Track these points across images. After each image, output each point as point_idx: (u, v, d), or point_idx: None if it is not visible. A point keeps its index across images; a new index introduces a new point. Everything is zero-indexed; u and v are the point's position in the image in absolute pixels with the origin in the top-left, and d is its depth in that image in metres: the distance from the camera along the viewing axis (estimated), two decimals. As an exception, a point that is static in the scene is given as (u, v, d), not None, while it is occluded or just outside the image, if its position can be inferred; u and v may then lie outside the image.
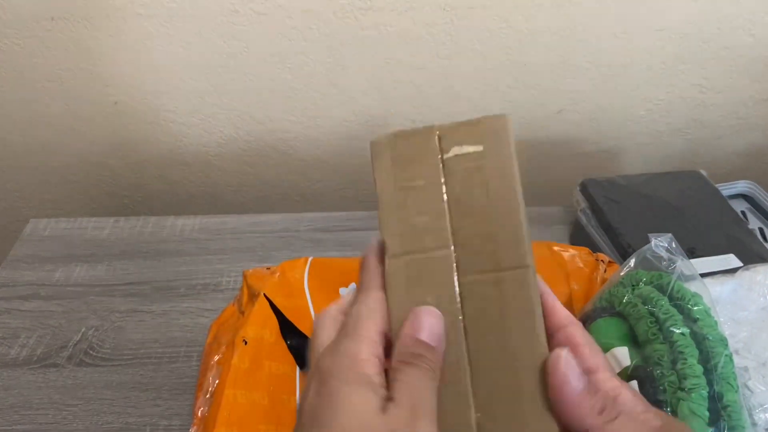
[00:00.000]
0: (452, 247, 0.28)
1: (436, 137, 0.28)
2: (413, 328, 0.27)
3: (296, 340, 0.53)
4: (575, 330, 0.28)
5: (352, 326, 0.27)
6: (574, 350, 0.27)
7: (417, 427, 0.24)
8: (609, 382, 0.27)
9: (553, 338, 0.28)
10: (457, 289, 0.27)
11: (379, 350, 0.27)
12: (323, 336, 0.29)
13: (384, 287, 0.28)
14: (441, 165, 0.28)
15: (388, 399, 0.25)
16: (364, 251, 0.30)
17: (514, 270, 0.27)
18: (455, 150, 0.28)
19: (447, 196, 0.28)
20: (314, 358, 0.28)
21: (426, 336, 0.27)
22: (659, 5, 0.75)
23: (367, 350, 0.26)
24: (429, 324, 0.27)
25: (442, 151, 0.28)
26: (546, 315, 0.28)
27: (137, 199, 0.91)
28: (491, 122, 0.28)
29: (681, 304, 0.44)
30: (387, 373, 0.26)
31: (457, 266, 0.27)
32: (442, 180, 0.28)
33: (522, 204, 0.27)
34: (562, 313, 0.29)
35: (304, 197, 0.92)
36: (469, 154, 0.28)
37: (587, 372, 0.27)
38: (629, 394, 0.26)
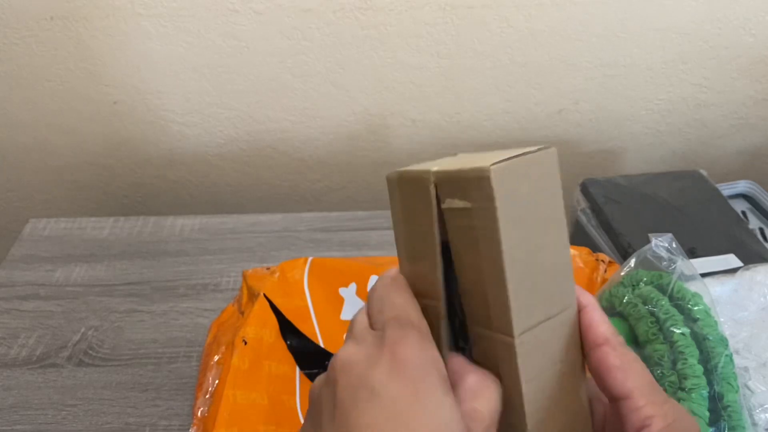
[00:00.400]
0: (442, 300, 0.27)
1: (433, 186, 0.26)
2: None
3: (296, 341, 0.53)
4: (608, 351, 0.26)
5: (409, 316, 0.27)
6: (605, 375, 0.26)
7: None
8: (641, 411, 0.25)
9: (587, 359, 0.27)
10: (444, 340, 0.27)
11: None
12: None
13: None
14: (436, 216, 0.26)
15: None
16: None
17: (502, 335, 0.25)
18: (448, 202, 0.25)
19: (443, 247, 0.26)
20: (371, 318, 0.28)
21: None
22: (659, 5, 0.75)
23: (437, 351, 0.26)
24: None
25: (439, 201, 0.26)
26: (583, 332, 0.27)
27: (137, 199, 0.91)
28: (477, 174, 0.23)
29: (681, 304, 0.44)
30: None
31: (465, 315, 0.27)
32: (437, 231, 0.26)
33: (510, 270, 0.24)
34: (598, 331, 0.27)
35: (304, 197, 0.92)
36: (459, 209, 0.25)
37: (618, 398, 0.26)
38: (660, 424, 0.25)
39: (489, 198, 0.23)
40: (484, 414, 0.25)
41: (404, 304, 0.27)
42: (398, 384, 0.24)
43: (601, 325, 0.27)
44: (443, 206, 0.25)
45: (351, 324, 0.29)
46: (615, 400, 0.26)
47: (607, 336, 0.27)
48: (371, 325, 0.28)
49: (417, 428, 0.23)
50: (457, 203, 0.25)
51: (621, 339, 0.27)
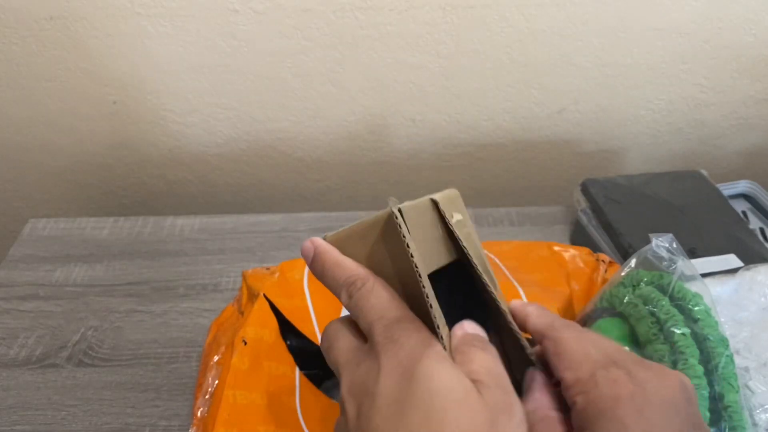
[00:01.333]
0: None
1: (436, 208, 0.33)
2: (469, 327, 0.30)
3: (296, 341, 0.53)
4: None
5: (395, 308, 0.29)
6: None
7: (512, 404, 0.26)
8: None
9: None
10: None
11: None
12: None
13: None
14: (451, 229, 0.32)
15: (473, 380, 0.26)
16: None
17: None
18: (456, 217, 0.33)
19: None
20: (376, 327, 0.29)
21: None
22: (659, 5, 0.75)
23: (428, 332, 0.28)
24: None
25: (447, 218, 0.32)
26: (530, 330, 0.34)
27: (136, 199, 0.91)
28: (455, 195, 0.34)
29: (682, 304, 0.44)
30: None
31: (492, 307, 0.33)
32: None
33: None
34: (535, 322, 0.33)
35: (304, 197, 0.92)
36: (460, 221, 0.33)
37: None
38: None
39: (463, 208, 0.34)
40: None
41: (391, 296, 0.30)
42: (409, 384, 0.26)
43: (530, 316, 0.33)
44: (453, 222, 0.32)
45: (333, 354, 0.30)
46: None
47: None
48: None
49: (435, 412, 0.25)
50: (458, 216, 0.33)
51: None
